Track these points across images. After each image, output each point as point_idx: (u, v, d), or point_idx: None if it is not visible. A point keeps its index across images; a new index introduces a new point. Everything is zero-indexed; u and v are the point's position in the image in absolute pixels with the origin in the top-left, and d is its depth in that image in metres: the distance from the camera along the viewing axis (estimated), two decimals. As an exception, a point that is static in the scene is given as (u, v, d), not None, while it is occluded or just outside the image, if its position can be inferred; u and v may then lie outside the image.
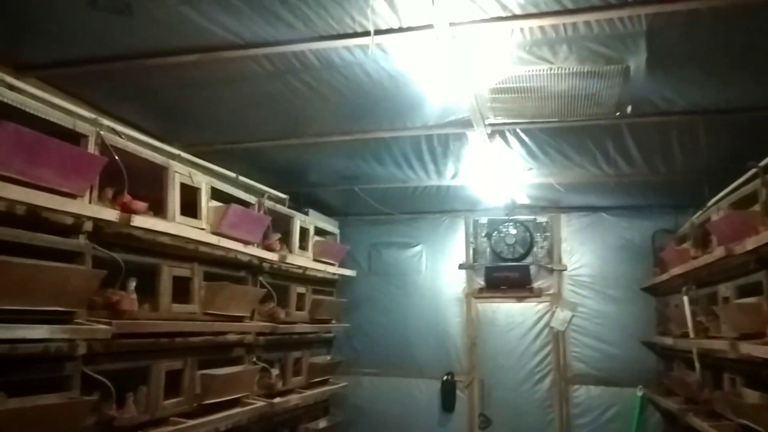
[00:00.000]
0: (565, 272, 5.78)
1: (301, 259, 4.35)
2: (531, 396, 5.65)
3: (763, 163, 3.03)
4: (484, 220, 6.10)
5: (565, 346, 5.65)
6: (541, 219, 5.95)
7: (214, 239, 3.09)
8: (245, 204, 3.58)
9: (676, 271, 4.19)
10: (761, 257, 2.91)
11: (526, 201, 5.60)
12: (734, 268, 3.32)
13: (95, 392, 2.23)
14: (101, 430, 2.27)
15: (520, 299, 5.84)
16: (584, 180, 4.68)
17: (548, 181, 4.73)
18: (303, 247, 4.49)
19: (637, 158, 4.00)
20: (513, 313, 5.85)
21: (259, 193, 3.89)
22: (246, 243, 3.39)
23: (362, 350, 6.21)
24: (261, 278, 3.83)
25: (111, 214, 2.36)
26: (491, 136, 3.69)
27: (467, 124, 3.53)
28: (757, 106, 3.24)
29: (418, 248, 6.27)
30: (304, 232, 4.49)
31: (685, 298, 4.13)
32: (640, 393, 5.30)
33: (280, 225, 4.23)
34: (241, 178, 3.69)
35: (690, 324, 4.07)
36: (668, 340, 4.76)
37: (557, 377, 5.62)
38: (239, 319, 3.42)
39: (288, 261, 4.07)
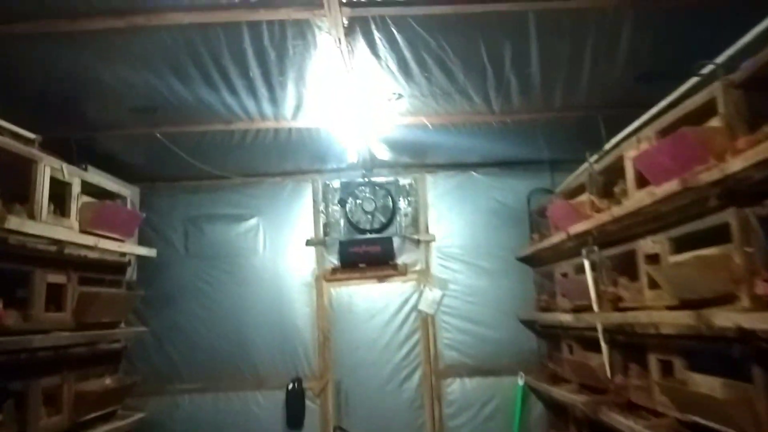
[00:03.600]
0: (433, 243, 4.81)
1: (56, 230, 2.74)
2: (397, 397, 4.60)
3: (721, 59, 2.21)
4: (336, 183, 4.90)
5: (436, 332, 4.69)
6: (405, 180, 4.91)
7: None
8: None
9: (576, 229, 3.36)
10: (729, 190, 2.07)
11: (388, 156, 4.50)
12: (669, 214, 2.50)
13: None
14: None
15: (382, 279, 4.76)
16: (463, 120, 3.69)
17: (419, 121, 3.65)
18: (60, 211, 2.87)
19: (535, 79, 3.06)
20: (374, 297, 4.74)
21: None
22: None
23: (180, 360, 4.67)
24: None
25: None
26: (349, 29, 2.46)
27: (314, 2, 2.26)
28: None
29: (252, 222, 4.87)
30: (61, 189, 2.88)
31: (586, 263, 3.32)
32: (521, 381, 4.52)
33: (14, 175, 2.60)
34: None
35: (593, 294, 3.27)
36: (556, 317, 4.00)
37: (427, 371, 4.63)
38: None
39: (23, 230, 2.46)
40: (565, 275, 3.96)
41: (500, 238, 4.78)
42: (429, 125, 3.66)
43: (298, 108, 3.42)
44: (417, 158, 4.62)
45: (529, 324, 4.65)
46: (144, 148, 4.13)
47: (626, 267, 3.06)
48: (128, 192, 3.74)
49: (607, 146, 3.26)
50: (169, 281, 4.74)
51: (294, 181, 4.92)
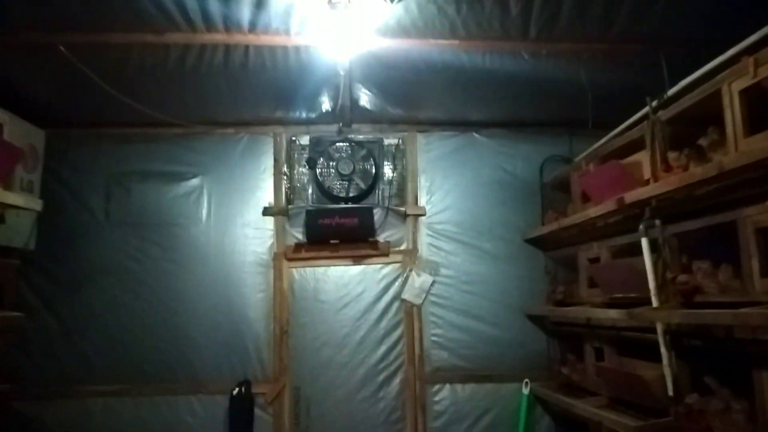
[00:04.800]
0: (422, 218, 3.88)
1: None
2: (372, 407, 3.67)
3: None
4: (304, 139, 3.90)
5: (422, 328, 3.77)
6: (390, 140, 3.95)
7: None
8: None
9: (633, 197, 2.48)
10: None
11: (372, 103, 3.53)
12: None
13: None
14: None
15: (359, 260, 3.80)
16: (485, 46, 2.76)
17: (424, 44, 2.70)
18: None
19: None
20: (347, 282, 3.78)
21: None
22: None
23: (94, 356, 3.62)
24: None
25: None
26: None
27: None
28: None
29: (195, 182, 3.83)
30: None
31: (645, 242, 2.45)
32: (526, 390, 3.66)
33: None
34: None
35: (652, 283, 2.41)
36: (580, 312, 3.15)
37: (411, 375, 3.72)
38: None
39: None
40: (595, 260, 3.11)
41: (506, 215, 3.89)
42: (436, 47, 2.70)
43: (258, 8, 2.41)
44: (408, 109, 3.66)
45: (537, 320, 3.79)
46: (49, 73, 3.05)
47: (711, 246, 2.20)
48: (23, 130, 2.66)
49: (684, 82, 2.39)
50: (83, 256, 3.67)
51: (251, 134, 3.89)
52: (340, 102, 3.34)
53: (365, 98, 3.44)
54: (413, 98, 3.49)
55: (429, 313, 3.78)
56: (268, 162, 3.87)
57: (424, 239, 3.86)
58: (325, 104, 3.50)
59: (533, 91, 3.34)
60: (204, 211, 3.79)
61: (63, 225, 3.68)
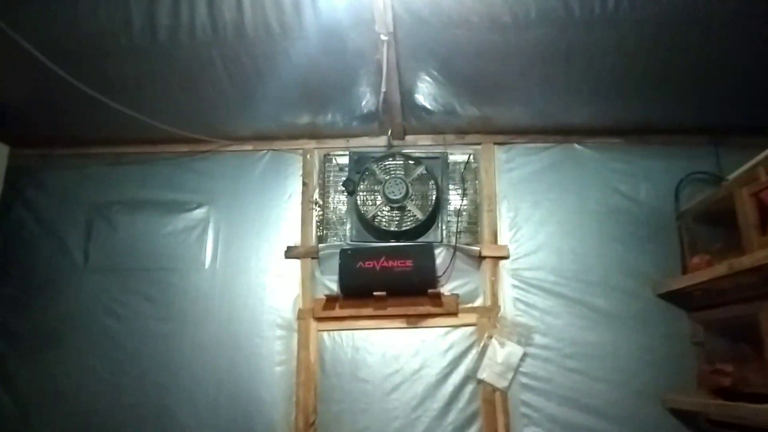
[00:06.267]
0: (505, 262, 2.75)
1: None
2: None
3: None
4: (343, 157, 2.93)
5: (510, 423, 2.56)
6: (458, 155, 2.91)
7: None
8: None
9: None
10: None
11: (430, 98, 2.52)
12: None
13: None
14: None
15: (414, 321, 2.69)
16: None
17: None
18: None
19: None
20: (399, 352, 2.67)
21: None
22: None
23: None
24: None
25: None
26: None
27: None
28: None
29: (198, 214, 2.91)
30: None
31: None
32: None
33: None
34: None
35: None
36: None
37: (492, 495, 2.50)
38: None
39: None
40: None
41: (627, 258, 2.71)
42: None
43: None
44: (482, 106, 2.61)
45: (685, 417, 2.50)
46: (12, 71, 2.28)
47: None
48: None
49: None
50: (51, 310, 2.79)
51: (274, 150, 2.97)
52: (382, 95, 2.33)
53: (422, 89, 2.43)
54: (492, 89, 2.45)
55: (519, 401, 2.58)
56: (295, 187, 2.91)
57: (507, 292, 2.71)
58: (367, 100, 2.52)
59: (669, 82, 2.23)
60: (208, 253, 2.85)
61: (30, 267, 2.83)
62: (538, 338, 2.64)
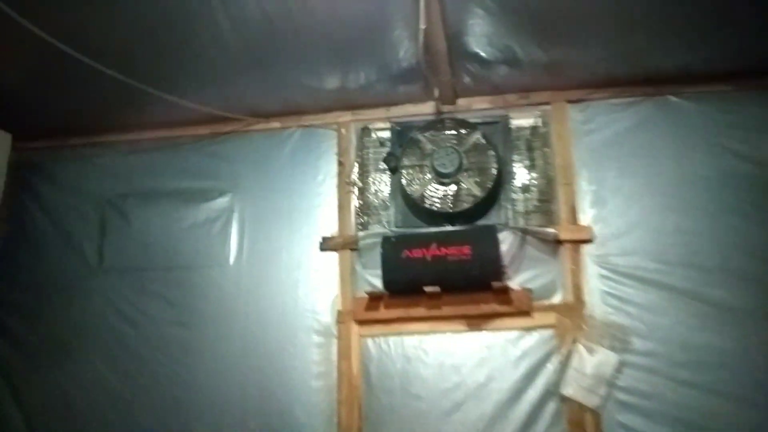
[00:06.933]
0: (589, 247, 2.20)
1: None
2: None
3: None
4: (384, 131, 2.48)
5: (603, 451, 2.02)
6: (522, 119, 2.38)
7: None
8: None
9: None
10: None
11: (483, 44, 2.01)
12: None
13: None
14: None
15: (476, 323, 2.18)
16: None
17: None
18: None
19: None
20: (459, 362, 2.16)
21: None
22: None
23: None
24: None
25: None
26: None
27: None
28: None
29: (221, 203, 2.53)
30: None
31: None
32: None
33: None
34: None
35: None
36: None
37: None
38: None
39: None
40: None
41: (750, 236, 2.10)
42: None
43: None
44: (551, 50, 2.08)
45: None
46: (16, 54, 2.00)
47: None
48: None
49: None
50: (62, 317, 2.48)
51: (304, 127, 2.55)
52: (422, 36, 1.82)
53: (472, 28, 1.92)
54: (559, 22, 1.91)
55: (616, 423, 2.01)
56: (329, 167, 2.48)
57: (594, 284, 2.16)
58: (405, 49, 2.03)
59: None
60: (233, 247, 2.46)
61: (39, 270, 2.55)
62: (637, 342, 2.07)
